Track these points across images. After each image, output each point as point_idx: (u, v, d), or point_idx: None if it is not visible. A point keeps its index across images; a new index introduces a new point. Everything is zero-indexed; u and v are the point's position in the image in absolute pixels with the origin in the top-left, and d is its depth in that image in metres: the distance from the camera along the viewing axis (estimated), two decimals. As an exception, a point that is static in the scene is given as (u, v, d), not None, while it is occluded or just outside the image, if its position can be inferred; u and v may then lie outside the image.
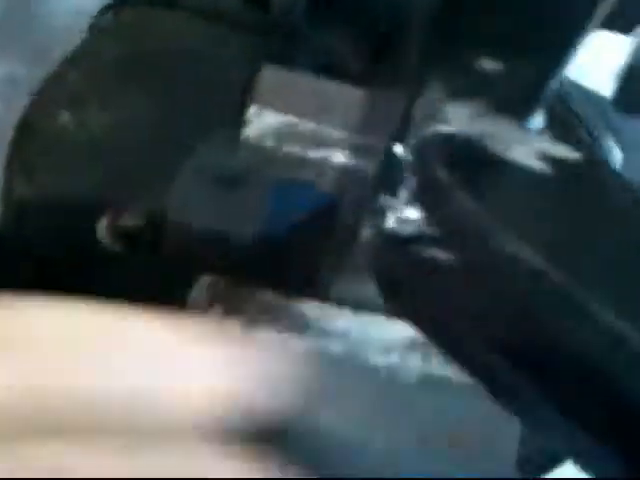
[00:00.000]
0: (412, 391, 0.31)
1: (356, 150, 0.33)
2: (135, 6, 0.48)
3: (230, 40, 0.48)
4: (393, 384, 0.31)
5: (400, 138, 0.25)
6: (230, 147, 0.48)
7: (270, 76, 0.36)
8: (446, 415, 0.31)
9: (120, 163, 0.47)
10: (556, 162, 0.23)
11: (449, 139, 0.23)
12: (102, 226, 0.47)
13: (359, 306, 0.32)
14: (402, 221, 0.27)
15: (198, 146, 0.48)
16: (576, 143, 0.24)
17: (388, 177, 0.26)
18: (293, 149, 0.35)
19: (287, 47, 0.46)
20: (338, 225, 0.33)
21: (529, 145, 0.23)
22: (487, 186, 0.23)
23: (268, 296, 0.32)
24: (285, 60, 0.47)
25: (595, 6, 0.21)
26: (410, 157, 0.25)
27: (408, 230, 0.27)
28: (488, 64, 0.22)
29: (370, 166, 0.33)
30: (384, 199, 0.27)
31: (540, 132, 0.24)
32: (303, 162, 0.35)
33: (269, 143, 0.35)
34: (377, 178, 0.27)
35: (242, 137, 0.35)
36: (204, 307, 0.32)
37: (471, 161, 0.23)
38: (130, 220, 0.47)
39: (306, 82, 0.37)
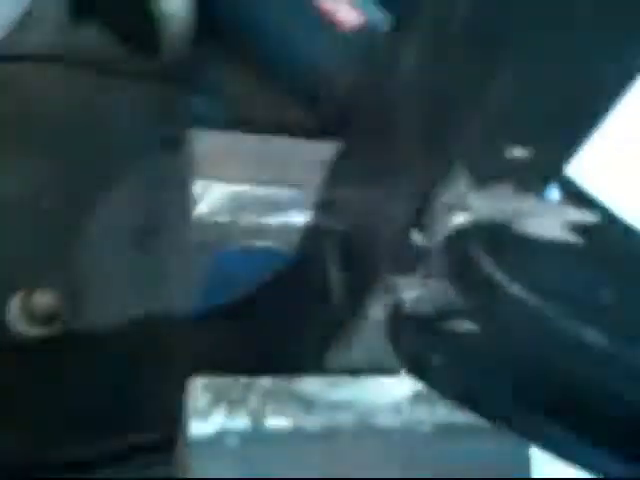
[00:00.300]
0: (427, 443, 0.32)
1: (320, 207, 0.33)
2: (12, 61, 0.44)
3: (119, 89, 0.45)
4: (408, 441, 0.31)
5: (419, 225, 0.25)
6: (137, 203, 0.45)
7: (205, 143, 0.34)
8: (464, 457, 0.32)
9: (23, 235, 0.44)
10: (583, 229, 0.24)
11: (484, 225, 0.23)
12: (12, 308, 0.43)
13: (354, 371, 0.32)
14: (419, 299, 0.27)
15: (103, 205, 0.45)
16: (589, 202, 0.24)
17: (402, 259, 0.26)
18: (249, 219, 0.34)
19: (182, 92, 0.44)
20: (317, 293, 0.33)
21: (554, 216, 0.24)
22: (530, 268, 0.23)
23: (267, 382, 0.31)
24: (183, 107, 0.45)
25: (624, 88, 0.21)
26: (432, 244, 0.25)
27: (427, 307, 0.27)
28: (517, 151, 0.22)
29: (339, 221, 0.33)
30: (397, 279, 0.27)
31: (559, 200, 0.24)
32: (260, 230, 0.34)
33: (223, 218, 0.34)
34: (387, 260, 0.27)
35: (194, 216, 0.33)
36: (207, 409, 0.30)
37: (509, 245, 0.23)
38: (44, 299, 0.43)
39: (245, 142, 0.35)
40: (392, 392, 0.32)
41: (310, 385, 0.31)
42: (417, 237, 0.25)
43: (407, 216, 0.26)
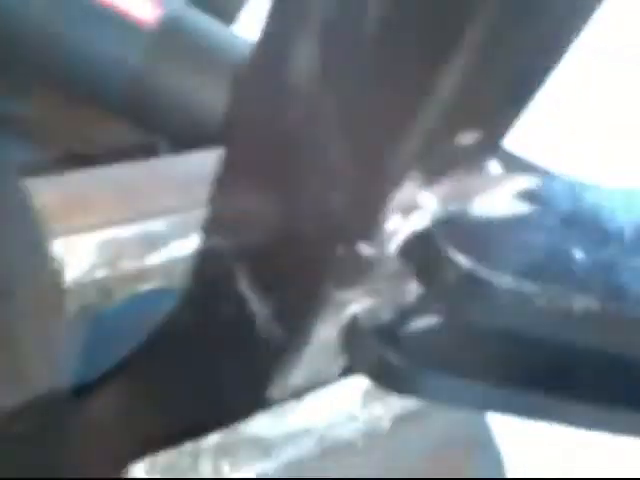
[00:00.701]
0: (390, 439, 0.30)
1: (213, 228, 0.29)
2: None
3: None
4: (371, 445, 0.30)
5: (366, 236, 0.23)
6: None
7: (46, 194, 0.30)
8: (427, 442, 0.31)
9: None
10: (532, 195, 0.23)
11: (443, 220, 0.22)
12: None
13: (296, 393, 0.30)
14: (373, 309, 0.25)
15: None
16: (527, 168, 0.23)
17: (347, 273, 0.24)
18: (128, 265, 0.30)
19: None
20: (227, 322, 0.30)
21: (503, 189, 0.23)
22: (500, 250, 0.22)
23: (214, 439, 0.28)
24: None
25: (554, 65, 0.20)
26: (386, 251, 0.23)
27: (384, 314, 0.25)
28: (465, 137, 0.21)
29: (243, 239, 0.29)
30: (343, 293, 0.25)
31: (497, 171, 0.23)
32: (144, 274, 0.30)
33: (100, 272, 0.29)
34: (333, 276, 0.24)
35: (64, 284, 0.29)
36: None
37: (473, 233, 0.22)
38: None
39: (93, 179, 0.31)
40: (342, 400, 0.30)
41: (259, 425, 0.29)
42: (364, 248, 0.23)
43: (336, 228, 0.24)
